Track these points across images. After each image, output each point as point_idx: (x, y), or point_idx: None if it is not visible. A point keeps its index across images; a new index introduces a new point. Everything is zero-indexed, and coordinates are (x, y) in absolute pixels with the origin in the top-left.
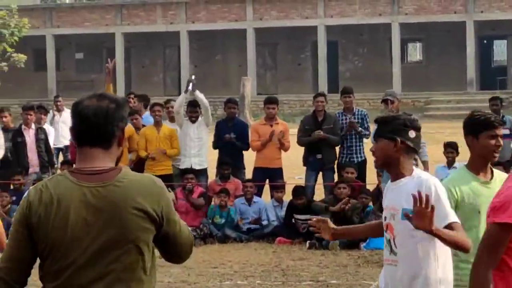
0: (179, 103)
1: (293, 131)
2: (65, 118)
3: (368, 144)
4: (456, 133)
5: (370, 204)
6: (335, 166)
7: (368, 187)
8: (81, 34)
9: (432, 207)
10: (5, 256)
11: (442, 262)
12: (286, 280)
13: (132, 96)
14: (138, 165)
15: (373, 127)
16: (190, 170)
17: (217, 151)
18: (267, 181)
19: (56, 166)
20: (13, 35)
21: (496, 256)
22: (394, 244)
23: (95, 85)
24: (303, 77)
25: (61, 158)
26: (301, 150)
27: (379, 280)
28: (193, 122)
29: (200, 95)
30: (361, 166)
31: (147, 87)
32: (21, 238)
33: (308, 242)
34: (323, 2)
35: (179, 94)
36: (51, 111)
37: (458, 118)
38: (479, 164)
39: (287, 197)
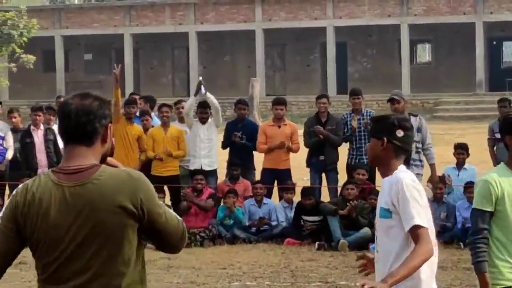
0: (189, 105)
1: (302, 132)
2: None
3: None
4: (465, 134)
5: None
6: (337, 166)
7: (378, 188)
8: (90, 35)
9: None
10: None
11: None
12: (295, 281)
13: (137, 97)
14: (145, 166)
15: None
16: (199, 171)
17: (227, 152)
18: (275, 182)
19: None
20: (22, 36)
21: None
22: (377, 241)
23: (104, 86)
24: (311, 78)
25: None
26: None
27: None
28: (203, 123)
29: (211, 97)
30: (371, 167)
31: (156, 88)
32: (9, 234)
33: (317, 243)
34: (332, 3)
35: (188, 95)
36: None
37: (467, 119)
38: None
39: (296, 198)
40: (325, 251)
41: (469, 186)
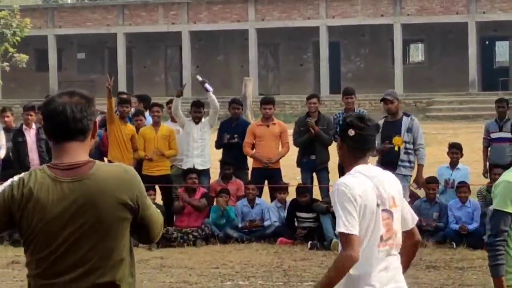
0: (175, 107)
1: (292, 131)
2: None
3: None
4: (458, 134)
5: None
6: (328, 166)
7: None
8: (83, 34)
9: None
10: None
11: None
12: (288, 281)
13: (126, 96)
14: (138, 165)
15: None
16: (192, 170)
17: (220, 151)
18: (266, 182)
19: None
20: (15, 35)
21: None
22: None
23: (96, 85)
24: (304, 78)
25: None
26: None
27: None
28: (197, 122)
29: (213, 96)
30: None
31: (149, 88)
32: (2, 199)
33: (309, 242)
34: (325, 3)
35: (181, 95)
36: None
37: (460, 119)
38: None
39: (289, 198)
40: (318, 251)
41: (461, 186)
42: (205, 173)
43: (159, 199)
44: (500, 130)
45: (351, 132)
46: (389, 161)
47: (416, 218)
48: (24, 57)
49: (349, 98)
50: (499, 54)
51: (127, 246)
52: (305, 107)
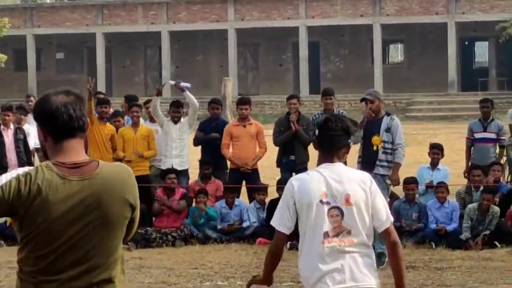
0: (154, 106)
1: (271, 131)
2: None
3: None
4: (437, 134)
5: None
6: (307, 166)
7: None
8: (62, 34)
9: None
10: None
11: (301, 259)
12: None
13: (102, 95)
14: None
15: None
16: (171, 171)
17: (199, 152)
18: (244, 182)
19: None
20: None
21: None
22: None
23: (75, 85)
24: (284, 78)
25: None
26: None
27: None
28: (176, 122)
29: (191, 95)
30: None
31: (128, 88)
32: (9, 191)
33: (288, 242)
34: (305, 3)
35: (160, 94)
36: None
37: (440, 119)
38: None
39: (270, 198)
40: (297, 251)
41: (439, 186)
42: (184, 173)
43: None
44: (485, 130)
45: (316, 132)
46: (368, 161)
47: (391, 219)
48: (2, 57)
49: (328, 99)
50: (479, 55)
51: (121, 244)
52: (285, 107)
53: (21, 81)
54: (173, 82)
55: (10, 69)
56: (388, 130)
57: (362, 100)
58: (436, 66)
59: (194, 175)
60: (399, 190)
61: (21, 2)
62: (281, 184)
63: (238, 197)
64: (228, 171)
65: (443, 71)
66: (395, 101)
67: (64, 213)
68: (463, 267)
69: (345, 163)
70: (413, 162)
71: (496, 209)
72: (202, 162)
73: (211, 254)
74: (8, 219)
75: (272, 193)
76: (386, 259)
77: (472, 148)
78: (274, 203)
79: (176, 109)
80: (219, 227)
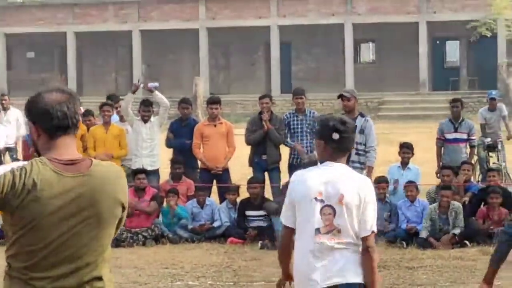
0: (126, 102)
1: (242, 131)
2: (10, 117)
3: None
4: (408, 133)
5: None
6: (279, 166)
7: None
8: (33, 33)
9: None
10: None
11: (295, 252)
12: (238, 281)
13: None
14: None
15: None
16: (141, 171)
17: (169, 151)
18: (214, 182)
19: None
20: None
21: None
22: None
23: (46, 84)
24: (256, 77)
25: (7, 157)
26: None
27: None
28: (145, 121)
29: (159, 94)
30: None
31: (99, 87)
32: (2, 184)
33: (260, 242)
34: (276, 2)
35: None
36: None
37: (411, 118)
38: None
39: (241, 198)
40: (268, 250)
41: (409, 185)
42: (154, 173)
43: None
44: (456, 130)
45: (335, 136)
46: None
47: (374, 230)
48: None
49: (299, 99)
50: (450, 54)
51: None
52: (257, 107)
53: None
54: (141, 85)
55: None
56: (362, 131)
57: (339, 96)
58: (408, 66)
59: (165, 175)
60: None
61: None
62: (252, 183)
63: (209, 196)
64: (199, 170)
65: (414, 70)
66: (366, 100)
67: (58, 209)
68: (434, 266)
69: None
70: (383, 161)
71: (457, 204)
72: (173, 162)
73: (182, 253)
74: None
75: (243, 193)
76: None
77: (442, 148)
78: (245, 203)
79: (146, 108)
80: (190, 226)
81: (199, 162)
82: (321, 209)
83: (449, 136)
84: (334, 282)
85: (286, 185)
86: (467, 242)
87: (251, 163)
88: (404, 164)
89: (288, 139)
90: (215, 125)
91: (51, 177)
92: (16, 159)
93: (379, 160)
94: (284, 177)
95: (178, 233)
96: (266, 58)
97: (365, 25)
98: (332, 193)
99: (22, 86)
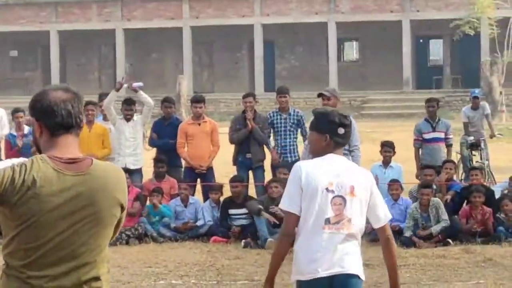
0: (109, 99)
1: (226, 129)
2: None
3: (301, 143)
4: (392, 132)
5: None
6: (264, 164)
7: None
8: (16, 32)
9: None
10: None
11: (298, 241)
12: (221, 280)
13: None
14: None
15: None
16: (124, 170)
17: (153, 150)
18: (199, 181)
19: None
20: None
21: None
22: None
23: (29, 82)
24: (239, 76)
25: None
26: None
27: None
28: (128, 120)
29: (144, 94)
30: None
31: (82, 85)
32: (1, 179)
33: (243, 241)
34: (260, 1)
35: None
36: None
37: (394, 117)
38: None
39: (224, 197)
40: (251, 249)
41: (392, 184)
42: (137, 172)
43: None
44: (433, 130)
45: (341, 131)
46: None
47: (389, 216)
48: None
49: (283, 97)
50: (433, 53)
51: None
52: (240, 105)
53: None
54: (125, 85)
55: None
56: None
57: (319, 95)
58: (391, 64)
59: (147, 173)
60: None
61: None
62: (233, 182)
63: (193, 195)
64: (183, 169)
65: (398, 69)
66: (350, 99)
67: (57, 206)
68: (417, 264)
69: None
70: (366, 160)
71: (436, 200)
72: (156, 160)
73: (165, 252)
74: None
75: (227, 192)
76: None
77: (420, 149)
78: (228, 201)
79: (128, 107)
80: (173, 225)
81: (183, 161)
82: (332, 200)
83: (428, 136)
84: (334, 271)
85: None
86: (450, 240)
87: (235, 161)
88: (386, 163)
89: (269, 141)
90: (199, 124)
91: (51, 174)
92: None
93: (363, 159)
94: (268, 176)
95: (161, 232)
96: (250, 56)
97: (349, 23)
98: (342, 184)
99: (5, 85)
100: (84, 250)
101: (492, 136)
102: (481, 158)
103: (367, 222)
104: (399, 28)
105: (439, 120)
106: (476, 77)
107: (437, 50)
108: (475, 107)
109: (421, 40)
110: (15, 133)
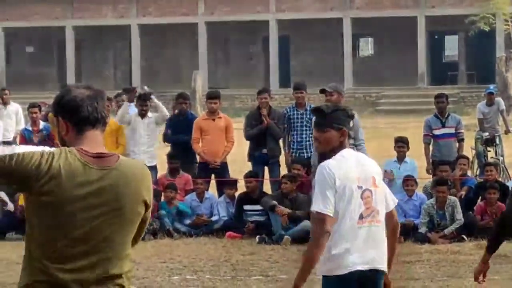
0: (123, 113)
1: (241, 125)
2: (10, 111)
3: None
4: (406, 127)
5: None
6: (279, 160)
7: None
8: (31, 27)
9: None
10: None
11: (334, 238)
12: (236, 275)
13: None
14: None
15: None
16: None
17: (168, 145)
18: (213, 176)
19: None
20: None
21: None
22: None
23: (45, 78)
24: (254, 72)
25: None
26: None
27: None
28: (143, 116)
29: (159, 103)
30: (308, 162)
31: (97, 81)
32: (28, 161)
33: (257, 236)
34: None
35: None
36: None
37: (409, 113)
38: None
39: (239, 192)
40: (266, 245)
41: (407, 179)
42: (152, 169)
43: None
44: (443, 126)
45: (351, 123)
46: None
47: (396, 201)
48: None
49: (299, 93)
50: (448, 48)
51: (130, 242)
52: (255, 101)
53: None
54: (147, 89)
55: None
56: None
57: (322, 91)
58: (406, 60)
59: (163, 169)
60: None
61: None
62: (248, 178)
63: (207, 190)
64: (197, 164)
65: (413, 64)
66: (365, 94)
67: (80, 198)
68: (431, 260)
69: None
70: (382, 156)
71: (453, 198)
72: (170, 156)
73: (180, 247)
74: (21, 200)
75: (242, 188)
76: None
77: (430, 144)
78: (243, 197)
79: (143, 102)
80: (188, 221)
81: (197, 156)
82: (362, 194)
83: (438, 132)
84: (370, 266)
85: (247, 177)
86: (464, 236)
87: (250, 157)
88: (400, 158)
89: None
90: (213, 120)
91: (76, 166)
92: None
93: (377, 155)
94: (283, 171)
95: (176, 227)
96: (265, 52)
97: (364, 19)
98: (366, 177)
99: (21, 81)
100: (105, 245)
101: (507, 132)
102: (496, 154)
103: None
104: (414, 24)
105: (448, 115)
106: (491, 73)
107: (452, 46)
108: (490, 103)
109: (436, 36)
110: (30, 128)
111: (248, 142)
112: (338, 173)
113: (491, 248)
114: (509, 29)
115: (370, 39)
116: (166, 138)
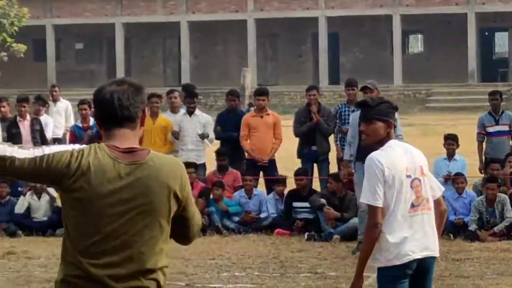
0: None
1: (290, 122)
2: (60, 108)
3: None
4: (456, 125)
5: None
6: (329, 157)
7: None
8: (81, 24)
9: None
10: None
11: (387, 229)
12: (284, 272)
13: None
14: None
15: None
16: (191, 164)
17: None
18: (261, 173)
19: None
20: (13, 25)
21: None
22: None
23: (95, 75)
24: (303, 69)
25: None
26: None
27: None
28: (191, 114)
29: (212, 138)
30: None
31: (147, 78)
32: (58, 160)
33: (306, 234)
34: None
35: (179, 84)
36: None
37: (459, 110)
38: None
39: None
40: (315, 242)
41: (457, 177)
42: (200, 167)
43: None
44: (497, 123)
45: (396, 115)
46: (365, 150)
47: (443, 189)
48: (22, 47)
49: (351, 90)
50: (499, 45)
51: (167, 237)
52: (304, 98)
53: (40, 72)
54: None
55: (29, 60)
56: None
57: (363, 88)
58: (456, 57)
59: (211, 165)
60: None
61: None
62: (298, 175)
63: (256, 187)
64: (245, 161)
65: (462, 61)
66: (414, 91)
67: (110, 193)
68: (481, 258)
69: None
70: (431, 153)
71: (503, 196)
72: (218, 153)
73: (229, 244)
74: (58, 196)
75: (290, 185)
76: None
77: (484, 142)
78: (292, 194)
79: (191, 100)
80: (237, 218)
81: (246, 153)
82: (411, 183)
83: (491, 129)
84: (426, 254)
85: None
86: None
87: (300, 154)
88: (450, 155)
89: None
90: (262, 117)
91: (106, 162)
92: None
93: (427, 153)
94: (333, 168)
95: (225, 224)
96: (314, 49)
97: (413, 16)
98: (414, 166)
99: (70, 78)
100: (136, 240)
101: None
102: None
103: None
104: (464, 21)
105: (502, 112)
106: None
107: (502, 42)
108: None
109: (486, 33)
110: (80, 125)
111: (297, 139)
112: (386, 163)
113: None
114: None
115: (419, 36)
116: (216, 135)
